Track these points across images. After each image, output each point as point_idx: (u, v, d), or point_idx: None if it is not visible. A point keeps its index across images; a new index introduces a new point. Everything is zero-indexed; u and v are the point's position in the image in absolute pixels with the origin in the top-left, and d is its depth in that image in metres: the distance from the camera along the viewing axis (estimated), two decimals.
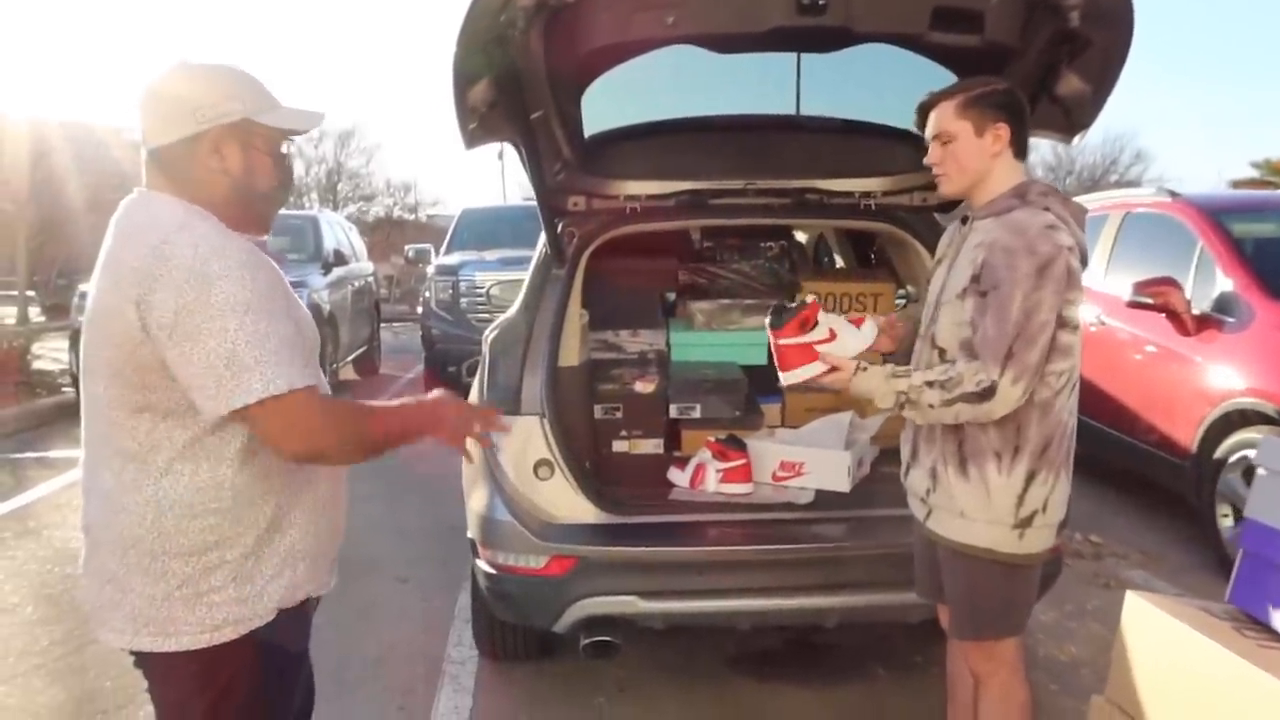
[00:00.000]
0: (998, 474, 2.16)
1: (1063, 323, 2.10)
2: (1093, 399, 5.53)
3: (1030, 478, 2.16)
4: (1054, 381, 2.13)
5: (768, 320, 2.39)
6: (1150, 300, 4.91)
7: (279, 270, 1.76)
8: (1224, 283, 4.77)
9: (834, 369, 2.28)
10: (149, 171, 1.72)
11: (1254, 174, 19.68)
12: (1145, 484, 5.41)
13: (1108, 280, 5.73)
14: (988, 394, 2.05)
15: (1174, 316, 4.86)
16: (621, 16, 2.70)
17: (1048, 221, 2.11)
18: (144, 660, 1.74)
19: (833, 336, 2.31)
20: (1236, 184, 17.72)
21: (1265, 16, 55.79)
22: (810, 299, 2.40)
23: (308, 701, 2.01)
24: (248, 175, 1.73)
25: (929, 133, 2.28)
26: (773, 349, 2.38)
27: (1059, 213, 2.15)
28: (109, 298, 1.61)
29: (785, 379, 2.36)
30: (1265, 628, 1.85)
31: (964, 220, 2.35)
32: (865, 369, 2.26)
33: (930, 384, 2.13)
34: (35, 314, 14.79)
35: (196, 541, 1.65)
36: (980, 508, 2.19)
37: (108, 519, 1.68)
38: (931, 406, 2.12)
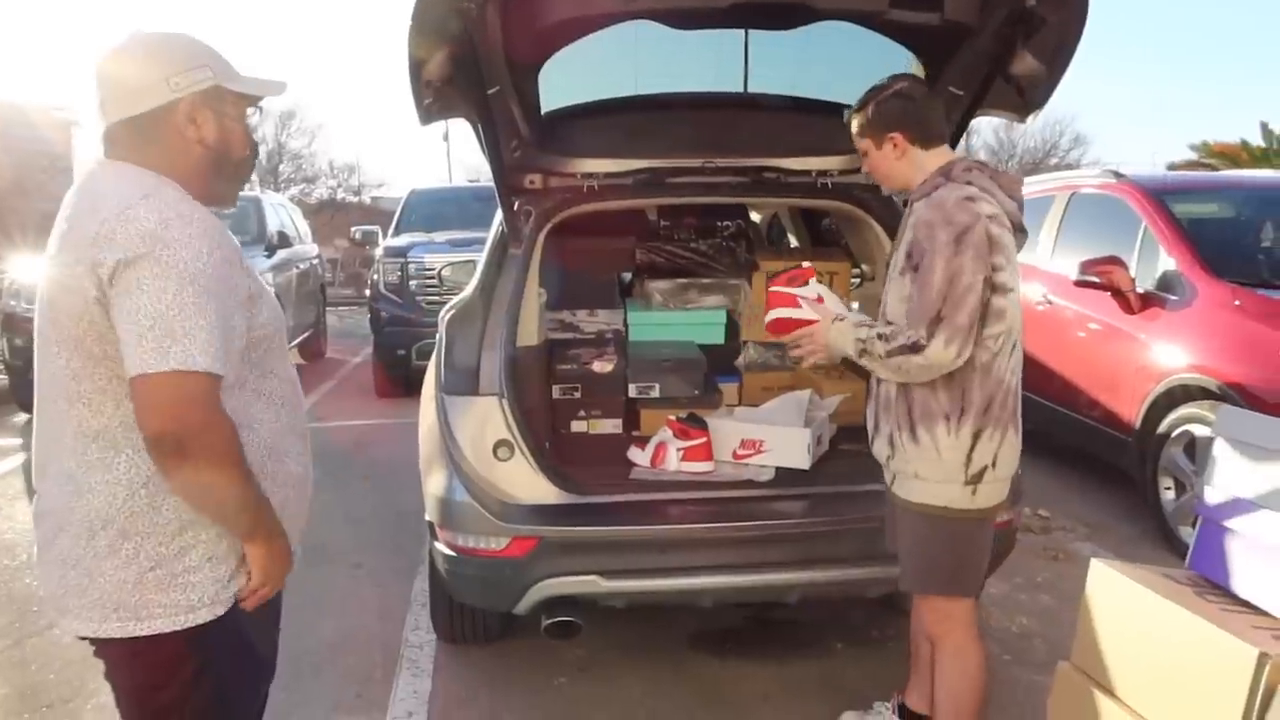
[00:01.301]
0: (947, 435, 2.30)
1: (994, 287, 2.23)
2: (1040, 376, 5.64)
3: (976, 436, 2.30)
4: (992, 344, 2.27)
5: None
6: (1096, 279, 5.00)
7: (243, 253, 1.70)
8: (1167, 262, 4.87)
9: (812, 323, 2.49)
10: (111, 146, 1.66)
11: (1192, 156, 20.17)
12: (1091, 459, 5.53)
13: (1055, 260, 5.84)
14: (914, 348, 2.22)
15: (1119, 295, 4.96)
16: None
17: (966, 194, 2.26)
18: (107, 648, 1.68)
19: (819, 300, 2.53)
20: (1174, 166, 18.18)
21: (1196, 4, 57.24)
22: (807, 264, 2.67)
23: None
24: (222, 143, 1.69)
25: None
26: (765, 296, 2.65)
27: (982, 184, 2.31)
28: (68, 270, 1.55)
29: (767, 317, 2.61)
30: (1225, 592, 1.91)
31: (905, 204, 2.53)
32: (841, 320, 2.44)
33: (880, 335, 2.31)
34: None
35: (171, 520, 1.61)
36: (933, 468, 2.34)
37: (71, 502, 1.61)
38: (879, 356, 2.30)
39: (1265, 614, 1.78)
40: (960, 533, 2.38)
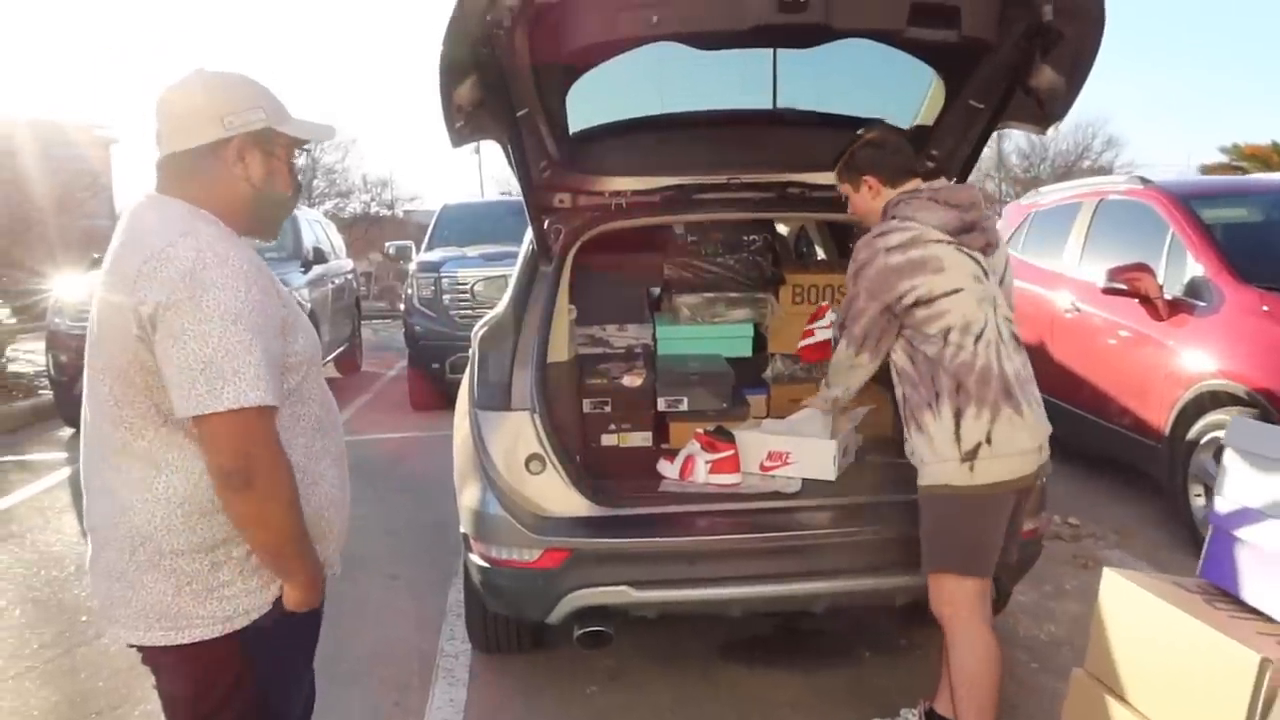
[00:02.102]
0: (934, 421, 2.56)
1: (916, 302, 2.54)
2: (1070, 384, 5.64)
3: (958, 415, 2.53)
4: (934, 340, 2.56)
5: None
6: (1124, 286, 5.00)
7: (279, 282, 1.78)
8: (1195, 268, 4.86)
9: None
10: (162, 175, 1.75)
11: (1223, 159, 19.94)
12: (1121, 466, 5.52)
13: (1083, 267, 5.83)
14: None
15: (1147, 302, 4.95)
16: (606, 15, 2.74)
17: (878, 231, 2.63)
18: (153, 655, 1.77)
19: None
20: (1207, 169, 17.97)
21: (1235, 4, 56.45)
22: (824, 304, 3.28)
23: (309, 704, 2.05)
24: (267, 181, 1.77)
25: None
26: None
27: (905, 214, 2.61)
28: (113, 300, 1.64)
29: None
30: (1235, 599, 1.94)
31: None
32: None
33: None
34: (5, 316, 14.63)
35: (205, 539, 1.69)
36: (930, 451, 2.58)
37: (115, 518, 1.70)
38: (827, 378, 2.93)
39: (1273, 621, 1.81)
40: (964, 510, 2.57)
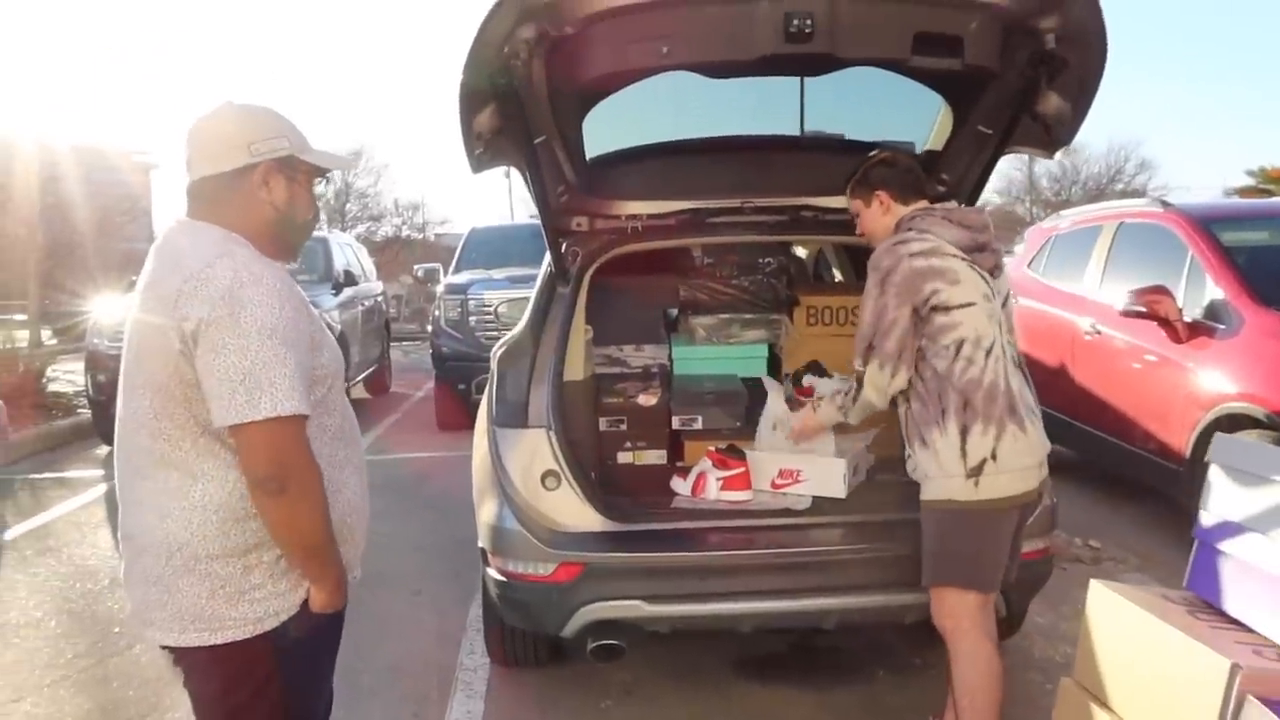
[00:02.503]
0: (940, 437, 2.60)
1: (935, 307, 2.58)
2: (1091, 406, 5.64)
3: (964, 431, 2.57)
4: (945, 354, 2.60)
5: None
6: (1143, 308, 5.01)
7: (308, 301, 1.89)
8: (1214, 291, 4.87)
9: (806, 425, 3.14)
10: (192, 200, 1.86)
11: (1250, 182, 19.75)
12: (1142, 489, 5.50)
13: (1103, 289, 5.84)
14: (859, 383, 2.72)
15: (1166, 324, 4.96)
16: (618, 46, 2.83)
17: (897, 239, 2.66)
18: (185, 656, 1.86)
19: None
20: (1238, 191, 17.79)
21: (1272, 20, 55.92)
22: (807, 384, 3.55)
23: (328, 709, 2.12)
24: (289, 206, 1.89)
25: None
26: None
27: (920, 226, 2.67)
28: (152, 319, 1.74)
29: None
30: (1218, 611, 1.97)
31: None
32: (818, 406, 3.03)
33: (844, 393, 2.84)
34: (47, 337, 14.97)
35: (237, 544, 1.78)
36: (936, 467, 2.62)
37: (151, 525, 1.80)
38: (850, 406, 2.82)
39: (1253, 632, 1.84)
40: (968, 525, 2.61)
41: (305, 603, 1.87)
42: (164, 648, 1.89)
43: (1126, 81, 55.89)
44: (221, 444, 1.75)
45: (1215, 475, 2.05)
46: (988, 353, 2.60)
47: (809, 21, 2.65)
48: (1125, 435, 5.36)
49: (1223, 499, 2.00)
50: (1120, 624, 2.02)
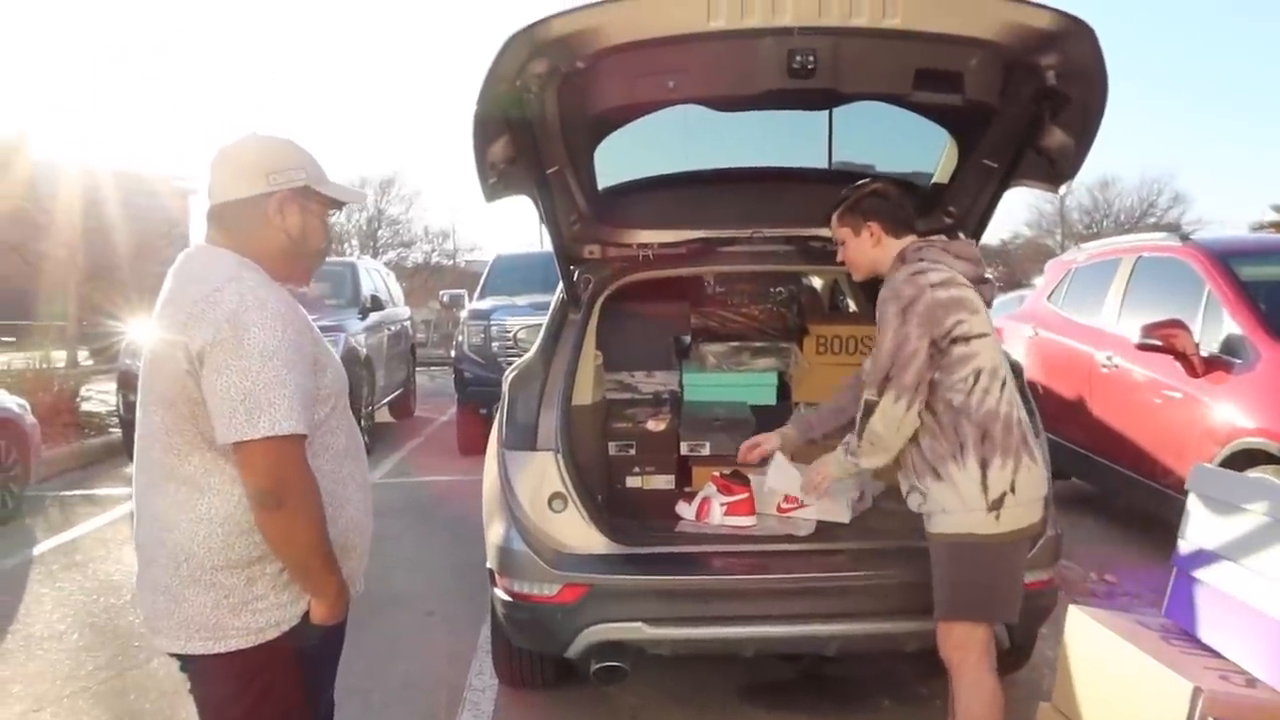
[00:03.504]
0: (958, 470, 2.56)
1: (955, 339, 2.55)
2: (1106, 439, 5.62)
3: (984, 465, 2.54)
4: (961, 386, 2.56)
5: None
6: (1158, 342, 5.00)
7: (312, 324, 1.97)
8: (1231, 325, 4.85)
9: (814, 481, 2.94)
10: (210, 224, 1.96)
11: (1276, 217, 19.55)
12: (1158, 523, 5.45)
13: (1121, 323, 5.83)
14: (868, 412, 2.62)
15: (1183, 358, 4.94)
16: (627, 81, 2.91)
17: (914, 269, 2.62)
18: (192, 663, 1.93)
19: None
20: (1258, 227, 17.61)
21: None
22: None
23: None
24: (302, 234, 1.97)
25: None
26: None
27: (930, 257, 2.66)
28: (164, 338, 1.84)
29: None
30: (1191, 638, 1.98)
31: None
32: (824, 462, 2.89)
33: (854, 434, 2.72)
34: (84, 357, 15.28)
35: (241, 556, 1.85)
36: (955, 501, 2.57)
37: (161, 536, 1.88)
38: (861, 448, 2.69)
39: (1224, 658, 1.85)
40: (989, 558, 2.58)
41: (307, 614, 1.93)
42: (171, 655, 1.95)
43: (1160, 114, 55.58)
44: (227, 459, 1.82)
45: (1193, 504, 2.07)
46: (1002, 384, 2.59)
47: (811, 58, 2.72)
48: (1141, 469, 5.33)
49: (1199, 528, 2.01)
50: (1095, 649, 2.04)
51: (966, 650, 2.63)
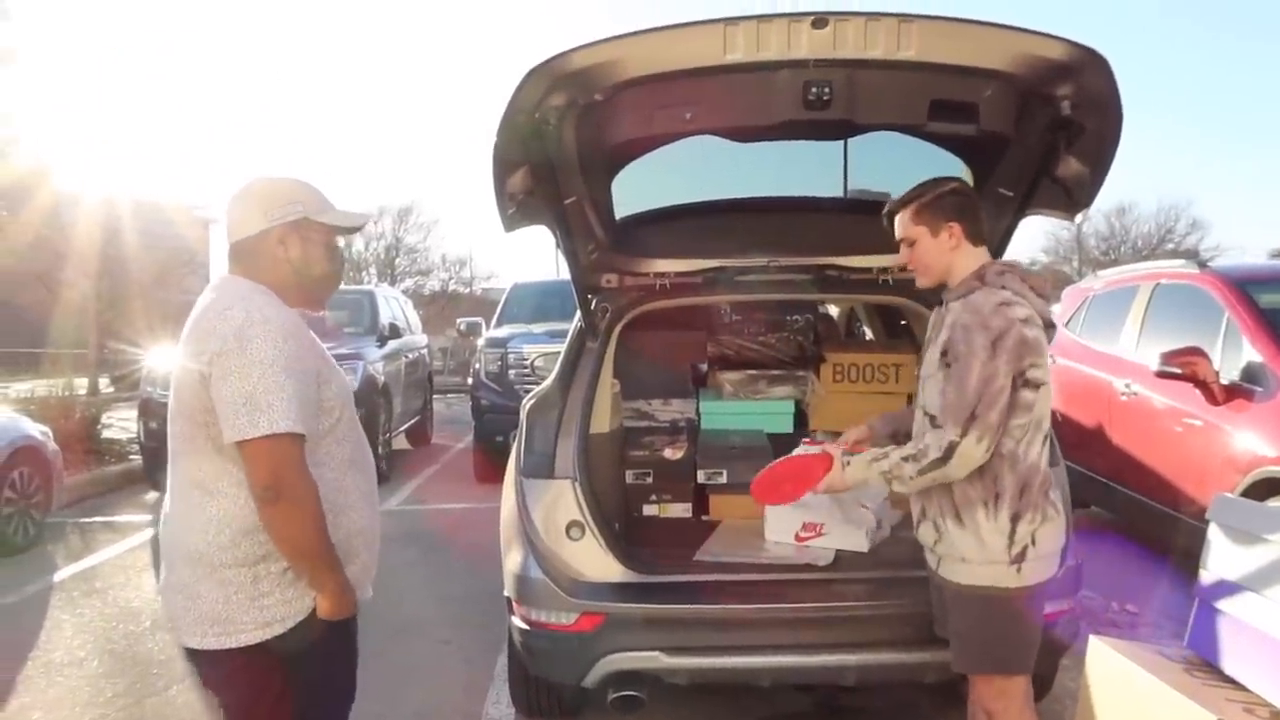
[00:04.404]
0: (987, 519, 2.42)
1: (1026, 383, 2.39)
2: (1126, 468, 5.58)
3: (1015, 519, 2.41)
4: (1016, 434, 2.41)
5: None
6: (1178, 370, 4.98)
7: (318, 343, 2.15)
8: (1251, 353, 4.83)
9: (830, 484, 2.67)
10: (230, 259, 2.16)
11: None
12: (1179, 552, 5.39)
13: (1139, 350, 5.81)
14: (948, 455, 2.36)
15: (1203, 386, 4.92)
16: (645, 113, 2.95)
17: (1002, 299, 2.42)
18: (206, 660, 2.05)
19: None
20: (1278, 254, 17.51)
21: None
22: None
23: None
24: (304, 262, 2.14)
25: (897, 236, 2.62)
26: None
27: (1015, 288, 2.47)
28: (186, 354, 2.01)
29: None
30: (1214, 669, 1.96)
31: (941, 303, 2.65)
32: (848, 463, 2.62)
33: (905, 459, 2.45)
34: (104, 384, 15.41)
35: (247, 554, 2.00)
36: (977, 551, 2.45)
37: (180, 537, 2.04)
38: (911, 478, 2.45)
39: (1247, 690, 1.83)
40: (1010, 611, 2.46)
41: (314, 611, 2.05)
42: (189, 651, 2.08)
43: (1177, 140, 55.48)
44: (235, 464, 1.96)
45: (1214, 534, 2.05)
46: (1045, 436, 2.48)
47: (827, 89, 2.75)
48: (1161, 497, 5.29)
49: (1221, 558, 2.00)
50: (1117, 680, 2.02)
51: (1009, 699, 2.52)
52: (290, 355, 1.97)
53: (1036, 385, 2.40)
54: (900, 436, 2.85)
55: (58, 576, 6.05)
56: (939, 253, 2.55)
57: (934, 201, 2.54)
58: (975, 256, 2.57)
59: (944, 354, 2.45)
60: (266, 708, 2.05)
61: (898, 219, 2.61)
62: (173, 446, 2.08)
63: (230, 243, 2.15)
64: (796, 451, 2.87)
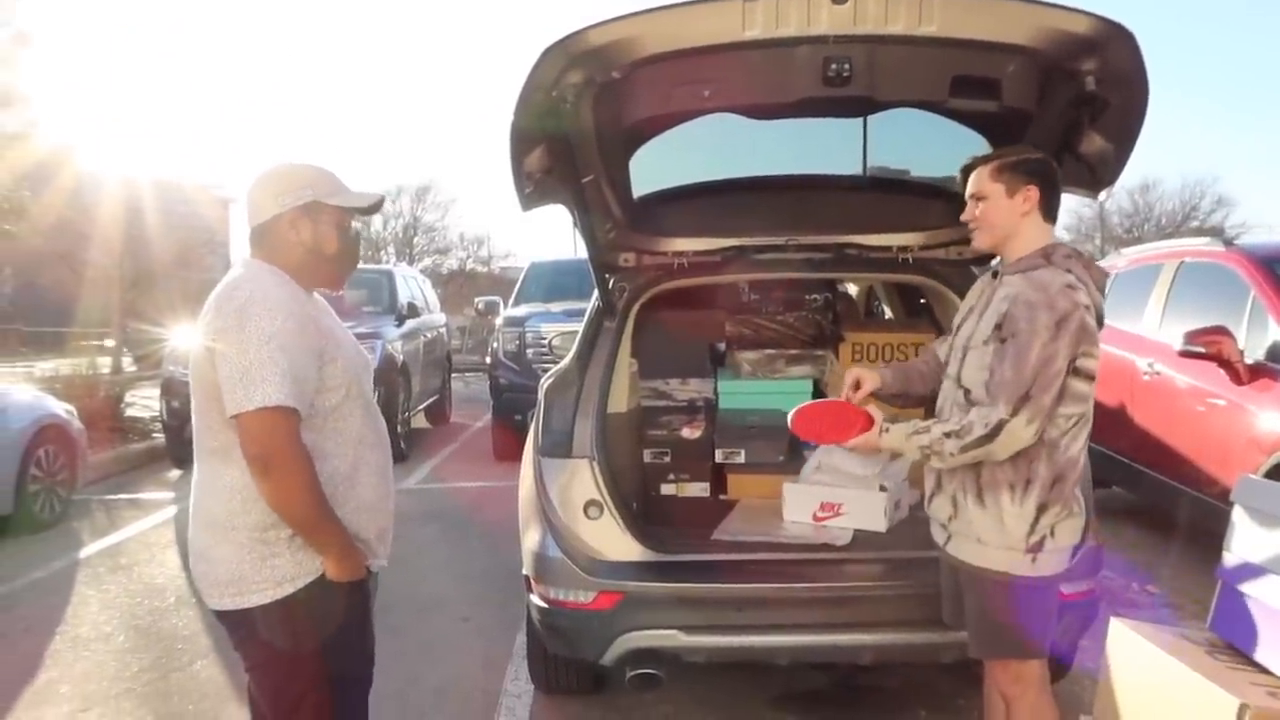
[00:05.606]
0: (1011, 504, 2.37)
1: (1078, 372, 2.32)
2: (1149, 448, 5.54)
3: (1041, 509, 2.36)
4: (1063, 423, 2.35)
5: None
6: (1201, 349, 4.92)
7: (329, 323, 2.22)
8: (1277, 332, 4.77)
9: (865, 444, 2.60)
10: (250, 243, 2.24)
11: None
12: (1202, 533, 5.36)
13: (1162, 329, 5.75)
14: (995, 432, 2.28)
15: (1227, 365, 4.86)
16: (662, 90, 2.93)
17: (1068, 281, 2.35)
18: (228, 619, 2.16)
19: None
20: None
21: None
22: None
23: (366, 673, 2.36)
24: (316, 243, 2.21)
25: (968, 192, 2.54)
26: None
27: (1079, 274, 2.39)
28: (201, 330, 2.08)
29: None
30: (1237, 652, 1.94)
31: (994, 274, 2.58)
32: (887, 429, 2.55)
33: (948, 435, 2.37)
34: (127, 363, 15.55)
35: (257, 520, 2.09)
36: (995, 534, 2.40)
37: (201, 503, 2.16)
38: (952, 454, 2.37)
39: (1271, 674, 1.82)
40: (1022, 598, 2.43)
41: (324, 574, 2.13)
42: (216, 614, 2.19)
43: (1202, 116, 54.70)
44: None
45: (1239, 516, 2.03)
46: (1084, 428, 2.41)
47: (847, 66, 2.72)
48: (1184, 478, 5.25)
49: (1245, 541, 1.98)
50: (1138, 663, 2.01)
51: (1025, 683, 2.50)
52: (288, 333, 2.03)
53: (1089, 376, 2.34)
54: (910, 399, 2.83)
55: (83, 553, 6.13)
56: (1009, 214, 2.45)
57: (1020, 163, 2.46)
58: (1042, 232, 2.49)
59: (999, 327, 2.37)
60: (287, 668, 2.13)
61: (975, 174, 2.51)
62: (195, 419, 2.17)
63: (250, 227, 2.23)
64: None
